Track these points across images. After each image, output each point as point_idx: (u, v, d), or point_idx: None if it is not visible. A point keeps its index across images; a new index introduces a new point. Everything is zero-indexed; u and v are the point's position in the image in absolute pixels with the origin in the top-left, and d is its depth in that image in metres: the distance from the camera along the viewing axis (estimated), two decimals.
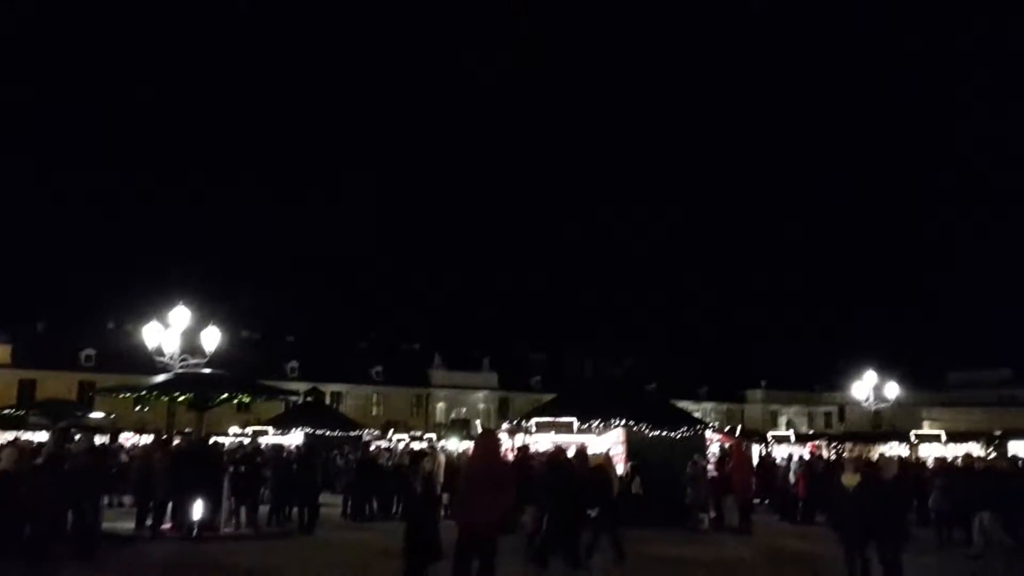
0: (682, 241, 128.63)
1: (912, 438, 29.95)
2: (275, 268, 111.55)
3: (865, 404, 31.24)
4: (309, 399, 33.41)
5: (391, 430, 41.97)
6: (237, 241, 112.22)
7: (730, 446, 21.90)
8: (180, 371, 17.33)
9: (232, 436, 29.32)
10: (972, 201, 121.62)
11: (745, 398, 79.17)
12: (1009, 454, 23.11)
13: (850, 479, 10.69)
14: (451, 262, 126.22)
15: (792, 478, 21.19)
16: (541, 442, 19.96)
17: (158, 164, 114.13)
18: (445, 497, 14.81)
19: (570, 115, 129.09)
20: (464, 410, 65.85)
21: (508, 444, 20.26)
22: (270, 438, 26.69)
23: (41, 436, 24.60)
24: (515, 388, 68.81)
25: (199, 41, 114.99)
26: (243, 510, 16.36)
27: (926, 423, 57.68)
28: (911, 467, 20.88)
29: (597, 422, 18.84)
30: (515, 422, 22.17)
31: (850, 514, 10.33)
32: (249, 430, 30.77)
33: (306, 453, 19.07)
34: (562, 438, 19.62)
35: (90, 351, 58.28)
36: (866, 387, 30.58)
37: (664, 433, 18.98)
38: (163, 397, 19.88)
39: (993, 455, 23.37)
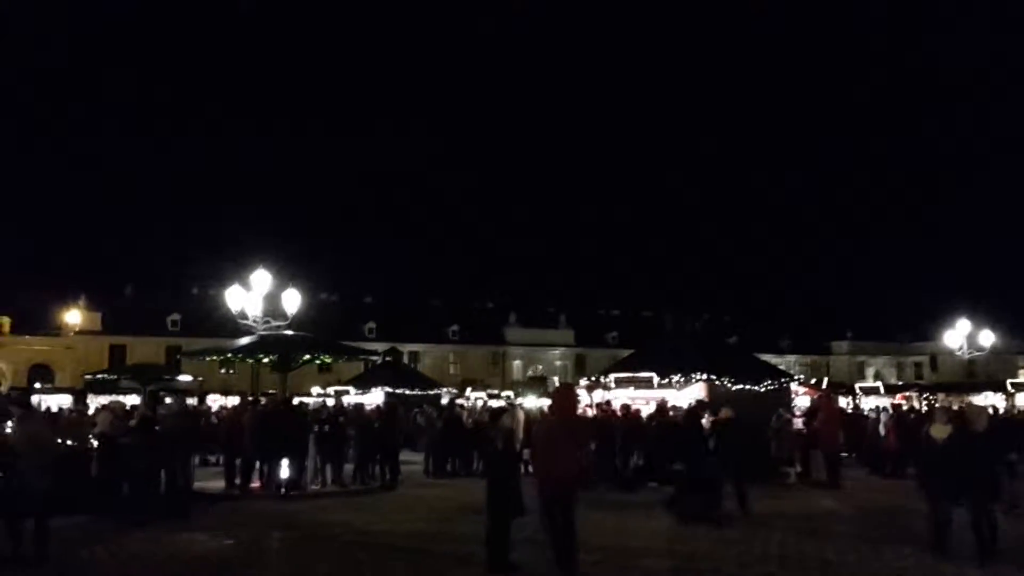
0: (760, 195, 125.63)
1: (1008, 387, 28.80)
2: (351, 232, 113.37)
3: (959, 353, 29.89)
4: (388, 359, 33.88)
5: (468, 388, 42.42)
6: (309, 206, 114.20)
7: (818, 399, 21.33)
8: (263, 333, 17.66)
9: (315, 397, 30.03)
10: None
11: (830, 350, 76.96)
12: None
13: (939, 431, 10.20)
14: (524, 220, 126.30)
15: (882, 431, 20.50)
16: (620, 397, 19.80)
17: (234, 130, 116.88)
18: (525, 453, 14.80)
19: (643, 72, 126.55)
20: (540, 367, 65.98)
21: (586, 400, 20.18)
22: (352, 398, 27.20)
23: (133, 399, 25.60)
24: (591, 344, 68.44)
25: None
26: (328, 468, 16.71)
27: (1023, 372, 55.62)
28: (1009, 418, 20.02)
29: (678, 377, 18.54)
30: (593, 378, 22.03)
31: (938, 468, 9.84)
32: (331, 390, 31.48)
33: (387, 412, 19.31)
34: (641, 393, 19.46)
35: (176, 316, 60.10)
36: (959, 336, 29.26)
37: (748, 387, 18.58)
38: (248, 359, 20.46)
39: None
